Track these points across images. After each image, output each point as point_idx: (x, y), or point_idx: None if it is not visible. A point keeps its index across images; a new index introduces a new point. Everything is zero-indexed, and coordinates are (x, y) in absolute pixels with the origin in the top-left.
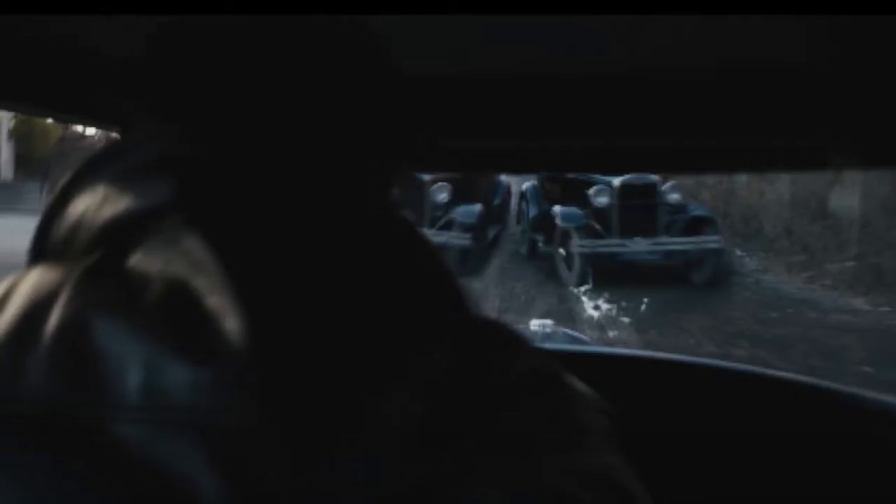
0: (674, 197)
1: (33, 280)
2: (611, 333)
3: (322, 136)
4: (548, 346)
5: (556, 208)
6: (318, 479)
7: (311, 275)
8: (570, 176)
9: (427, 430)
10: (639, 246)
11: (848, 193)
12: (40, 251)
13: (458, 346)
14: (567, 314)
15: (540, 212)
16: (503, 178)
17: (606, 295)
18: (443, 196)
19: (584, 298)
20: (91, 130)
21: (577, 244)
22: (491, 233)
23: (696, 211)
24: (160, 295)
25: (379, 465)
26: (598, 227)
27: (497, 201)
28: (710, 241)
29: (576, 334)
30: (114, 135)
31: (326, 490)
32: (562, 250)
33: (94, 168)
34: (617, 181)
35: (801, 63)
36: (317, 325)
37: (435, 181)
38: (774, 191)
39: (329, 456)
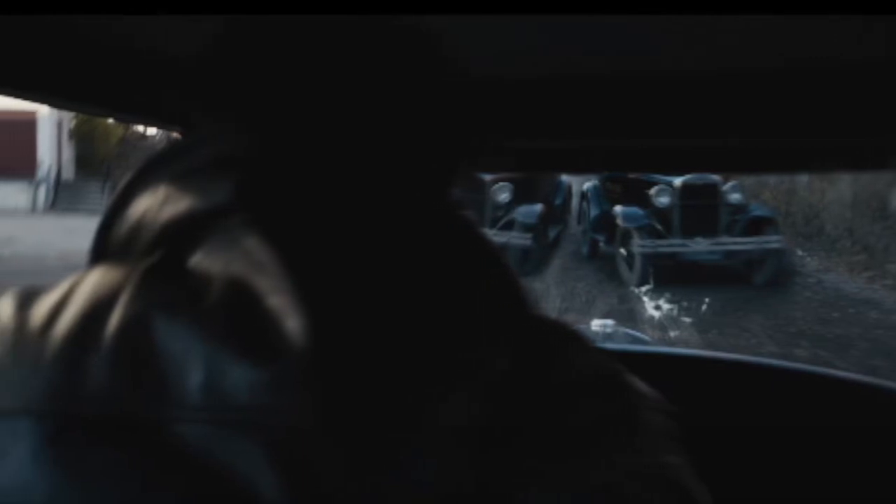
0: (735, 197)
1: (95, 280)
2: (672, 333)
3: (383, 137)
4: (609, 346)
5: (618, 208)
6: (379, 480)
7: (372, 275)
8: (632, 176)
9: (488, 430)
10: (700, 246)
11: None
12: (101, 251)
13: (520, 346)
14: (628, 314)
15: (601, 212)
16: (564, 178)
17: (667, 295)
18: (504, 196)
19: (645, 298)
20: (152, 131)
21: (639, 244)
22: (552, 233)
23: (758, 211)
24: (221, 295)
25: (441, 466)
26: (659, 227)
27: (558, 201)
28: (771, 241)
29: (637, 334)
30: (175, 135)
31: (387, 490)
32: (623, 250)
33: (155, 168)
34: (678, 181)
35: (864, 61)
36: (378, 326)
37: (496, 181)
38: (836, 190)
39: (390, 456)
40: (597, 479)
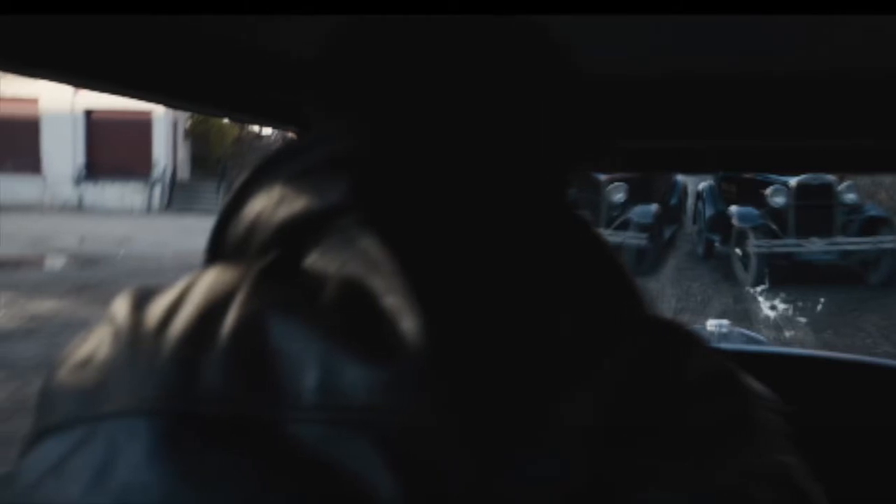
0: (850, 197)
1: (210, 280)
2: (787, 333)
3: (500, 136)
4: (724, 346)
5: (733, 208)
6: (500, 479)
7: (489, 275)
8: (747, 176)
9: (609, 430)
10: (815, 246)
11: None
12: (216, 251)
13: (637, 346)
14: (743, 314)
15: (716, 212)
16: (679, 177)
17: (783, 295)
18: (619, 196)
19: (761, 298)
20: (267, 130)
21: (754, 244)
22: (667, 233)
23: (873, 211)
24: (336, 295)
25: (562, 465)
26: (774, 227)
27: (673, 201)
28: (886, 241)
29: (752, 334)
30: (290, 135)
31: (509, 490)
32: (738, 250)
33: (270, 168)
34: (793, 181)
35: None
36: (496, 326)
37: (612, 181)
38: None
39: (512, 456)
40: (715, 479)
